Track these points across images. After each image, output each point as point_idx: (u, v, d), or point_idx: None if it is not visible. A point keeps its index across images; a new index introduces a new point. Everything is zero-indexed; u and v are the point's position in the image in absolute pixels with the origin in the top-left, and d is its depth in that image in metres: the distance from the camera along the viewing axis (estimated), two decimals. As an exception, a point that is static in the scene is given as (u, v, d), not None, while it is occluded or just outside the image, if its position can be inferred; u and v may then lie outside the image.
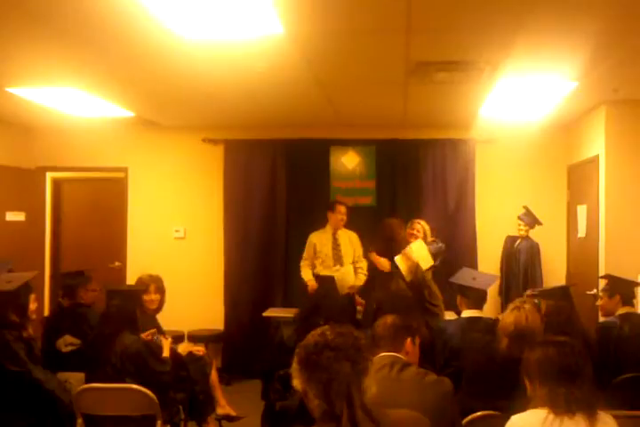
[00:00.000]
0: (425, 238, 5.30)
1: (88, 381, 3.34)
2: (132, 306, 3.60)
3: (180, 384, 3.68)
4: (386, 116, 5.76)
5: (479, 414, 2.46)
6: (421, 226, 5.35)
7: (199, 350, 4.17)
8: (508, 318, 2.62)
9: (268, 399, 3.53)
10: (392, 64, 3.91)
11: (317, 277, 5.45)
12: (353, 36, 3.36)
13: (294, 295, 6.02)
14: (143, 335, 3.60)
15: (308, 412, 3.23)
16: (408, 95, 4.84)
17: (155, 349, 3.54)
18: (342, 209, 5.56)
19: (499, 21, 3.08)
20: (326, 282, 5.19)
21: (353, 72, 4.16)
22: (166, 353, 3.66)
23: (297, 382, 1.57)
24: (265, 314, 5.67)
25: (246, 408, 4.29)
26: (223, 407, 4.29)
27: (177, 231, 6.52)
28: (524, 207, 5.76)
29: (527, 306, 2.67)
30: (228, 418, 4.31)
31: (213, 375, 4.22)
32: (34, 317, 3.56)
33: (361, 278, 5.52)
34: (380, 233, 5.42)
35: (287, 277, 6.24)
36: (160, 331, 3.97)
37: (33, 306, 3.51)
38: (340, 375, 1.50)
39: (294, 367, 1.58)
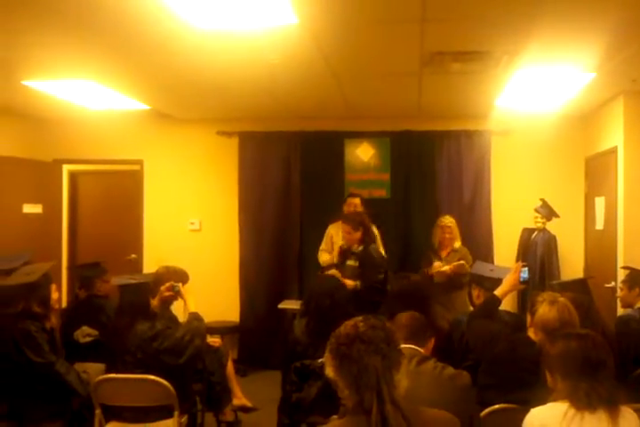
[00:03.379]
0: (453, 239, 5.28)
1: (108, 371, 3.37)
2: (144, 297, 3.59)
3: (197, 375, 3.69)
4: (400, 107, 5.72)
5: (497, 406, 2.45)
6: (451, 228, 5.32)
7: (215, 341, 4.18)
8: (550, 313, 2.56)
9: (284, 391, 3.55)
10: (407, 55, 3.88)
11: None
12: (367, 27, 3.34)
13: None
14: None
15: (325, 403, 3.24)
16: (423, 86, 4.81)
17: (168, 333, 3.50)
18: (352, 201, 5.55)
19: (516, 10, 3.04)
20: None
21: (367, 63, 4.14)
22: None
23: (329, 371, 1.57)
24: (280, 306, 5.69)
25: (262, 399, 4.32)
26: (239, 398, 4.33)
27: (192, 224, 6.54)
28: (541, 199, 5.70)
29: (561, 299, 2.62)
30: (244, 409, 4.35)
31: (229, 367, 4.25)
32: (56, 306, 3.58)
33: None
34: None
35: (302, 269, 6.25)
36: (174, 322, 3.95)
37: (55, 296, 3.53)
38: (369, 368, 1.49)
39: (326, 356, 1.58)
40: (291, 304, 5.62)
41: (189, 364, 3.42)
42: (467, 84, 4.66)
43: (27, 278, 3.41)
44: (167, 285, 3.57)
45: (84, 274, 4.38)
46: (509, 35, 3.42)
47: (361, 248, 4.83)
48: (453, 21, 3.26)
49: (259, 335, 6.23)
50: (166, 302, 3.64)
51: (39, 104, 5.48)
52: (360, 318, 1.62)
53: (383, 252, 5.60)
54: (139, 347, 3.33)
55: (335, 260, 5.17)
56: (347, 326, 1.59)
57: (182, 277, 3.71)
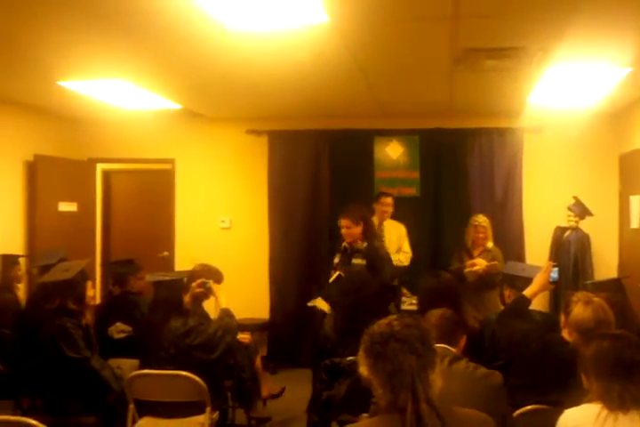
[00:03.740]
0: (486, 239, 5.18)
1: (142, 367, 3.43)
2: (178, 294, 3.65)
3: (228, 371, 3.73)
4: (430, 105, 5.69)
5: (530, 407, 2.43)
6: (485, 228, 5.19)
7: (245, 337, 4.22)
8: (585, 313, 2.52)
9: (314, 389, 3.56)
10: (438, 52, 3.85)
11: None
12: (399, 24, 3.32)
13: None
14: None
15: (354, 402, 3.24)
16: (454, 83, 4.77)
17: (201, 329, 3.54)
18: (386, 201, 5.53)
19: (551, 5, 2.99)
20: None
21: (398, 60, 4.12)
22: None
23: (362, 369, 1.56)
24: (310, 304, 5.70)
25: (292, 397, 4.35)
26: (267, 389, 4.35)
27: (222, 222, 6.60)
28: (575, 198, 5.61)
29: (596, 299, 2.58)
30: (273, 396, 4.39)
31: (257, 362, 4.29)
32: (92, 303, 3.65)
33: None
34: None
35: (331, 267, 6.24)
36: (206, 318, 3.99)
37: (90, 293, 3.59)
38: (404, 367, 1.48)
39: (360, 354, 1.57)
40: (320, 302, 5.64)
41: (221, 360, 3.46)
42: (499, 81, 4.61)
43: (63, 275, 3.46)
44: (198, 281, 3.63)
45: (118, 271, 4.45)
46: (544, 31, 3.37)
47: (365, 244, 4.56)
48: (486, 18, 3.22)
49: (288, 333, 6.26)
50: (198, 299, 3.70)
51: (74, 104, 5.58)
52: (394, 316, 1.61)
53: (409, 250, 5.59)
54: (172, 343, 3.38)
55: (337, 260, 4.74)
56: (381, 325, 1.58)
57: (215, 275, 3.77)
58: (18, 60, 4.04)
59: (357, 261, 4.54)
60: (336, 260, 4.72)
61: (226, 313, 3.59)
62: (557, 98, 5.12)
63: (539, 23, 3.26)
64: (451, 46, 3.70)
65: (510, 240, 5.94)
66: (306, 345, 6.00)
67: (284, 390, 4.48)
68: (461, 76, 4.49)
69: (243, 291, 6.31)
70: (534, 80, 4.50)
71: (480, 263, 4.97)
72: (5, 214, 5.61)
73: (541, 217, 6.01)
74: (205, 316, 3.75)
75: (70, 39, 3.56)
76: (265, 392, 4.28)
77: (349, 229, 4.54)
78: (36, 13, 3.11)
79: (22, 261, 4.83)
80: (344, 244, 4.67)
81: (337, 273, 4.49)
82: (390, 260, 4.69)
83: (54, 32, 3.43)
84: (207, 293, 3.67)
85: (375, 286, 3.56)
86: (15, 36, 3.52)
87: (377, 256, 4.49)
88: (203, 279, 3.65)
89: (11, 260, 4.42)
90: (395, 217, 5.65)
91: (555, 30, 3.35)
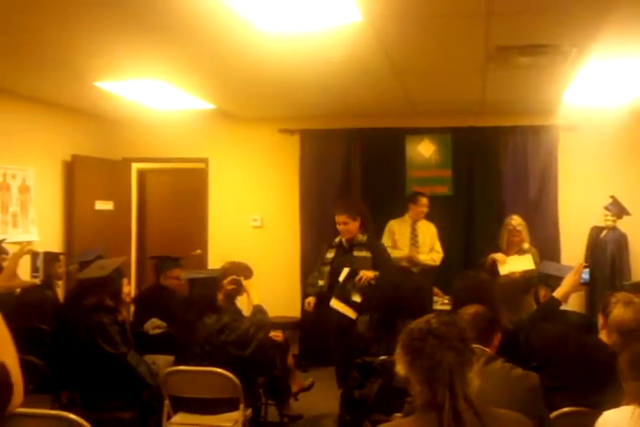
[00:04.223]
0: (521, 242, 5.00)
1: (177, 363, 3.48)
2: (212, 291, 3.69)
3: (261, 369, 3.76)
4: (463, 103, 5.64)
5: (567, 409, 2.39)
6: (520, 231, 5.00)
7: (277, 335, 4.25)
8: (625, 314, 2.48)
9: (346, 387, 3.57)
10: (472, 49, 3.82)
11: None
12: (432, 22, 3.30)
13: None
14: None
15: (386, 401, 3.23)
16: (487, 81, 4.72)
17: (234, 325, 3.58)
18: (424, 201, 5.51)
19: (588, 3, 2.94)
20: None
21: (431, 58, 4.10)
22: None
23: (399, 368, 1.56)
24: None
25: (324, 395, 4.37)
26: (297, 385, 4.38)
27: (254, 220, 6.65)
28: (611, 197, 5.50)
29: (637, 300, 2.53)
30: (304, 389, 4.43)
31: (289, 360, 4.31)
32: (127, 300, 3.71)
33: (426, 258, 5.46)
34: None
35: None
36: (240, 315, 4.03)
37: (126, 289, 3.66)
38: (443, 364, 1.48)
39: (397, 352, 1.57)
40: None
41: (254, 356, 3.49)
42: (534, 79, 4.54)
43: (99, 273, 3.53)
44: (229, 279, 3.69)
45: (157, 267, 4.54)
46: (580, 27, 3.32)
47: (366, 237, 4.49)
48: (521, 14, 3.19)
49: (320, 331, 6.27)
50: (230, 296, 3.75)
51: (110, 105, 5.69)
52: (432, 314, 1.62)
53: (441, 250, 5.54)
54: (206, 339, 3.43)
55: (330, 255, 4.60)
56: (419, 322, 1.59)
57: (245, 271, 3.81)
58: (55, 62, 4.13)
59: (361, 253, 4.46)
60: (330, 255, 4.60)
61: (258, 310, 3.64)
62: (593, 96, 5.02)
63: (574, 20, 3.21)
64: (484, 44, 3.67)
65: (545, 240, 5.84)
66: (336, 345, 6.00)
67: (313, 383, 4.51)
68: (494, 74, 4.44)
69: (274, 289, 6.35)
70: (569, 77, 4.43)
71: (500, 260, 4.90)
72: (45, 213, 5.74)
73: (577, 217, 5.90)
74: (239, 313, 3.79)
75: (106, 40, 3.62)
76: (295, 388, 4.32)
77: (347, 225, 4.46)
78: (73, 16, 3.18)
79: (61, 258, 4.94)
80: (338, 238, 4.59)
81: (347, 270, 4.38)
82: (390, 256, 4.66)
83: (91, 34, 3.49)
84: (239, 289, 3.72)
85: (413, 284, 3.56)
86: (52, 39, 3.60)
87: (380, 248, 4.45)
88: (234, 276, 3.71)
89: (52, 257, 4.53)
90: (426, 216, 5.62)
91: (590, 27, 3.29)
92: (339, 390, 3.70)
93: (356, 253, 4.47)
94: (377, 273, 4.34)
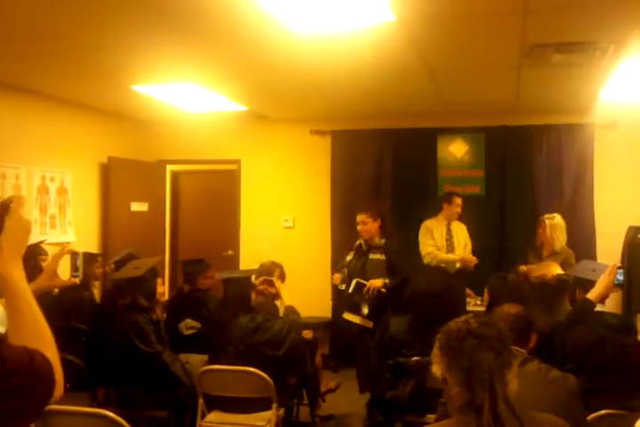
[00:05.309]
0: (553, 240, 4.86)
1: (210, 363, 3.51)
2: (246, 291, 3.73)
3: (293, 369, 3.77)
4: (496, 102, 5.58)
5: (604, 412, 2.35)
6: (548, 232, 4.86)
7: (307, 333, 4.25)
8: None
9: (374, 389, 3.56)
10: (506, 48, 3.78)
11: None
12: (467, 20, 3.28)
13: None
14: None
15: (418, 402, 3.21)
16: (521, 79, 4.66)
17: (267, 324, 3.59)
18: (459, 201, 5.44)
19: (626, -2, 2.89)
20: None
21: (464, 57, 4.07)
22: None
23: (436, 369, 1.55)
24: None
25: (353, 395, 4.36)
26: (324, 385, 4.39)
27: (286, 221, 6.68)
28: (650, 196, 5.39)
29: None
30: (331, 390, 4.43)
31: (317, 359, 4.32)
32: (162, 299, 3.76)
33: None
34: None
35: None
36: (275, 314, 4.05)
37: (160, 289, 3.71)
38: (482, 364, 1.47)
39: (434, 353, 1.57)
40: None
41: (287, 356, 3.51)
42: (569, 77, 4.47)
43: (134, 273, 3.58)
44: (261, 279, 3.72)
45: (189, 270, 4.58)
46: (616, 23, 3.26)
47: (384, 241, 4.35)
48: (558, 11, 3.14)
49: (350, 332, 6.25)
50: (263, 296, 3.77)
51: (145, 108, 5.79)
52: (470, 315, 1.61)
53: (470, 250, 5.48)
54: (240, 339, 3.46)
55: (349, 257, 4.48)
56: (457, 323, 1.58)
57: (273, 271, 3.85)
58: (94, 66, 4.23)
59: (376, 256, 4.35)
60: (348, 257, 4.49)
61: (291, 310, 3.67)
62: (631, 92, 4.91)
63: (610, 16, 3.15)
64: (520, 42, 3.62)
65: (580, 241, 5.73)
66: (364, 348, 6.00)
67: (339, 385, 4.50)
68: (529, 72, 4.38)
69: (305, 289, 6.36)
70: (606, 74, 4.35)
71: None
72: (82, 214, 5.87)
73: (614, 216, 5.78)
74: (274, 312, 3.79)
75: (143, 45, 3.69)
76: (322, 388, 4.33)
77: (366, 225, 4.35)
78: (110, 21, 3.24)
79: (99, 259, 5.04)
80: (358, 241, 4.47)
81: (355, 281, 4.24)
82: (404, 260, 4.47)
83: (128, 38, 3.57)
84: (270, 290, 3.75)
85: (451, 288, 3.53)
86: (91, 44, 3.69)
87: (397, 253, 4.31)
88: (265, 277, 3.74)
89: (90, 258, 4.62)
90: (458, 217, 5.57)
91: (628, 23, 3.23)
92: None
93: (371, 256, 4.36)
94: (387, 281, 4.22)
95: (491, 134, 6.10)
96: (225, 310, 3.67)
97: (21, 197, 1.22)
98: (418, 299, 3.48)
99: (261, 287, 3.75)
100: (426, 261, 5.37)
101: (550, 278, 4.70)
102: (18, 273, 1.14)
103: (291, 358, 3.57)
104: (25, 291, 1.14)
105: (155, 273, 3.68)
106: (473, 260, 5.30)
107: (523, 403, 1.51)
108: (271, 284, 3.76)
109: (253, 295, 3.72)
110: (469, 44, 3.73)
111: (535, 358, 2.22)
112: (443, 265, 5.31)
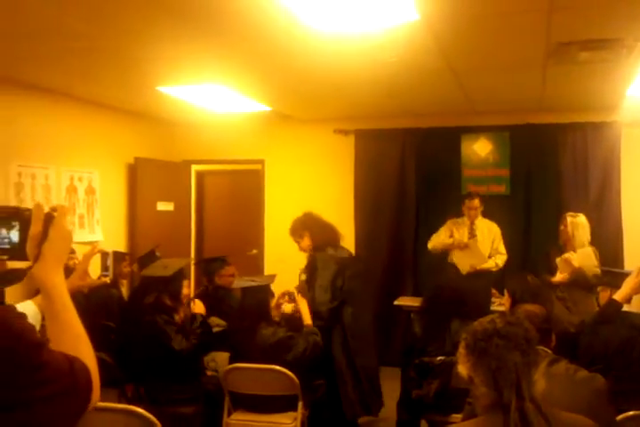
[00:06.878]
0: (573, 238, 4.83)
1: (232, 361, 3.54)
2: (265, 299, 3.70)
3: (319, 370, 3.78)
4: (521, 100, 5.53)
5: (632, 413, 2.33)
6: (569, 229, 4.83)
7: None
8: None
9: (403, 387, 3.57)
10: (531, 46, 3.75)
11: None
12: (491, 19, 3.26)
13: (424, 285, 5.99)
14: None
15: (445, 401, 3.21)
16: (547, 78, 4.62)
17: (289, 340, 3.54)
18: (471, 204, 5.38)
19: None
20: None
21: (489, 56, 4.05)
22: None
23: (462, 369, 1.56)
24: (396, 302, 5.70)
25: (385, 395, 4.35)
26: None
27: (310, 220, 6.69)
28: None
29: None
30: None
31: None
32: (185, 301, 3.78)
33: (491, 265, 5.33)
34: None
35: (417, 268, 6.22)
36: (296, 329, 4.03)
37: (185, 291, 3.73)
38: (509, 364, 1.47)
39: (460, 353, 1.57)
40: (406, 301, 5.62)
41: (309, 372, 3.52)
42: (595, 74, 4.42)
43: (162, 272, 3.60)
44: (283, 291, 3.79)
45: (204, 268, 4.63)
46: (644, 21, 3.22)
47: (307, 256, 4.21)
48: (582, 9, 3.11)
49: (374, 331, 6.26)
50: (281, 308, 3.79)
51: (170, 108, 5.85)
52: (496, 314, 1.61)
53: (505, 252, 5.42)
54: (263, 351, 3.41)
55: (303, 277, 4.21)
56: (482, 322, 1.58)
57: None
58: (120, 68, 4.29)
59: (302, 277, 4.16)
60: (302, 277, 4.23)
61: (312, 331, 3.63)
62: (660, 90, 4.85)
63: (638, 13, 3.11)
64: (545, 40, 3.60)
65: (607, 241, 5.64)
66: (391, 344, 6.00)
67: None
68: (555, 70, 4.34)
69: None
70: (633, 72, 4.29)
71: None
72: (109, 214, 5.96)
73: (642, 216, 5.70)
74: (299, 327, 3.70)
75: (168, 46, 3.73)
76: None
77: (299, 245, 4.30)
78: (137, 23, 3.29)
79: (127, 258, 5.12)
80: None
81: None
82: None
83: (153, 40, 3.61)
84: (291, 307, 3.75)
85: (470, 286, 3.52)
86: (117, 46, 3.74)
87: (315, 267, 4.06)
88: (288, 290, 3.78)
89: (119, 257, 4.70)
90: (484, 216, 5.53)
91: (657, 20, 3.19)
92: (394, 391, 3.69)
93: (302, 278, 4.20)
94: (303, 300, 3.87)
95: (515, 133, 6.04)
96: (243, 319, 3.60)
97: (64, 206, 1.26)
98: (431, 298, 3.48)
99: (282, 301, 3.75)
100: (430, 248, 5.47)
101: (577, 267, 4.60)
102: (59, 281, 1.17)
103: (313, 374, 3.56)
104: (66, 298, 1.16)
105: (182, 274, 3.70)
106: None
107: (551, 403, 1.51)
108: (292, 297, 3.75)
109: (274, 310, 3.71)
110: (494, 43, 3.71)
111: (562, 358, 2.22)
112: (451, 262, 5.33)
